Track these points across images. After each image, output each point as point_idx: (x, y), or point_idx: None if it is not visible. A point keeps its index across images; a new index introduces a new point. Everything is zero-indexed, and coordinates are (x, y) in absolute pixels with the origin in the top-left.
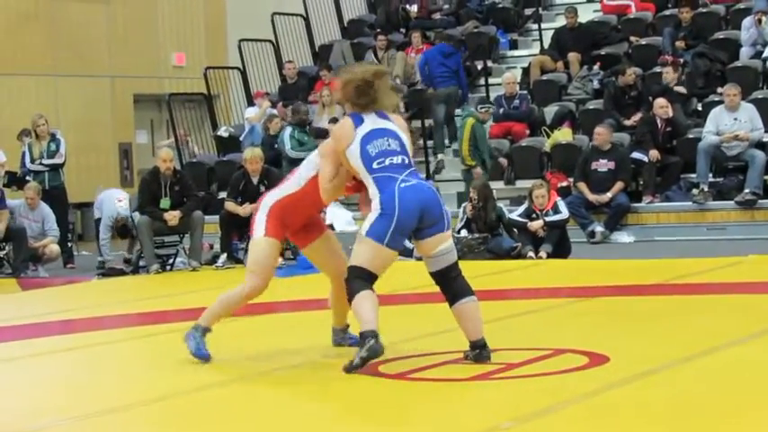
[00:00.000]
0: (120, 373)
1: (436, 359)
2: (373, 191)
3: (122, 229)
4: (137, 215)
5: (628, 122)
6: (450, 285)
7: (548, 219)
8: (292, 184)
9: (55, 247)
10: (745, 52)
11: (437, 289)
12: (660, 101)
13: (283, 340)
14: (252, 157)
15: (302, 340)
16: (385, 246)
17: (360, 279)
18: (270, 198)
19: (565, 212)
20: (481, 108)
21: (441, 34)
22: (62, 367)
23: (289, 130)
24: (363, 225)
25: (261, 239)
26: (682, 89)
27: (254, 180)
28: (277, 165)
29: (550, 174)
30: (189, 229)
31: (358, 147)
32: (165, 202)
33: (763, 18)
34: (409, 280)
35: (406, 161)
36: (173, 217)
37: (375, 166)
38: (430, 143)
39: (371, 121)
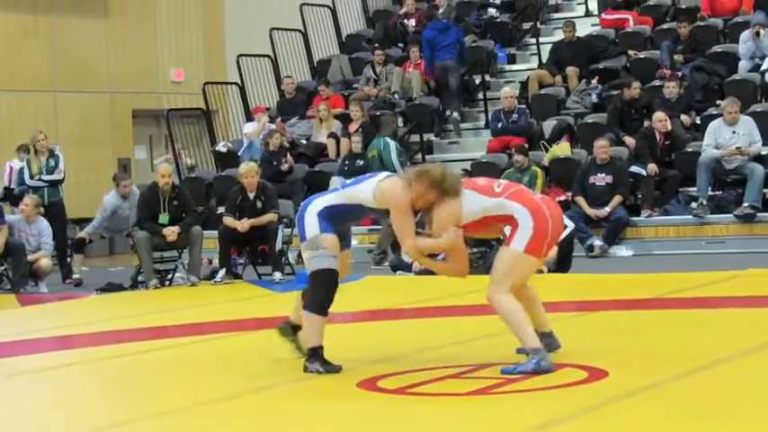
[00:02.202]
0: (120, 387)
1: (436, 374)
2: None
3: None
4: (136, 230)
5: (629, 141)
6: None
7: None
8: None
9: (46, 261)
10: (743, 65)
11: (436, 303)
12: (659, 114)
13: (285, 355)
14: (247, 170)
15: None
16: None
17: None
18: (316, 204)
19: (569, 224)
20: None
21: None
22: (62, 383)
23: (391, 143)
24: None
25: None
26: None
27: (251, 195)
28: (276, 181)
29: (549, 188)
30: (188, 244)
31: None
32: (163, 218)
33: (761, 31)
34: (408, 295)
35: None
36: (171, 233)
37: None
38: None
39: None
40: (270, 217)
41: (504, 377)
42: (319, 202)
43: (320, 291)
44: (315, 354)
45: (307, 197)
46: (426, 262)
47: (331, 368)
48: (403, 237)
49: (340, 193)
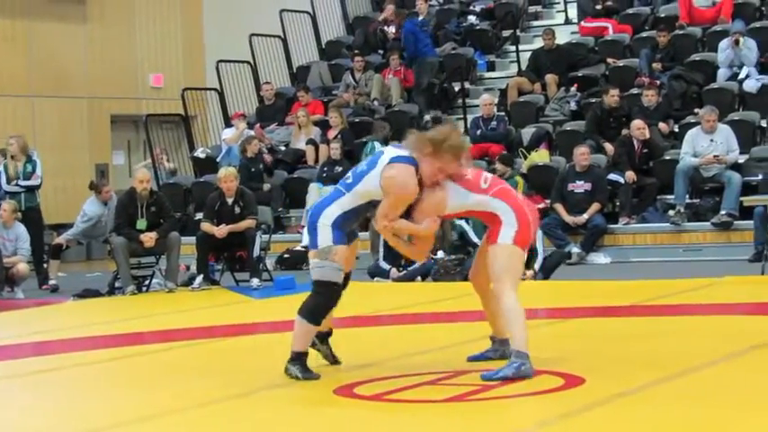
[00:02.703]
0: (97, 394)
1: (413, 381)
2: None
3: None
4: (113, 236)
5: (608, 148)
6: None
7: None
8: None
9: (23, 266)
10: (721, 74)
11: (413, 310)
12: (637, 122)
13: (262, 361)
14: (226, 175)
15: (280, 361)
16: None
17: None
18: (330, 213)
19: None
20: None
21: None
22: (38, 389)
23: (377, 145)
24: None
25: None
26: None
27: (230, 201)
28: (254, 189)
29: (528, 195)
30: (165, 250)
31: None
32: (141, 223)
33: (740, 39)
34: (386, 301)
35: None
36: (149, 239)
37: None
38: None
39: None
40: (248, 223)
41: (481, 384)
42: (334, 210)
43: (319, 301)
44: (298, 358)
45: (285, 204)
46: (393, 240)
47: (309, 375)
48: (383, 215)
49: (351, 194)
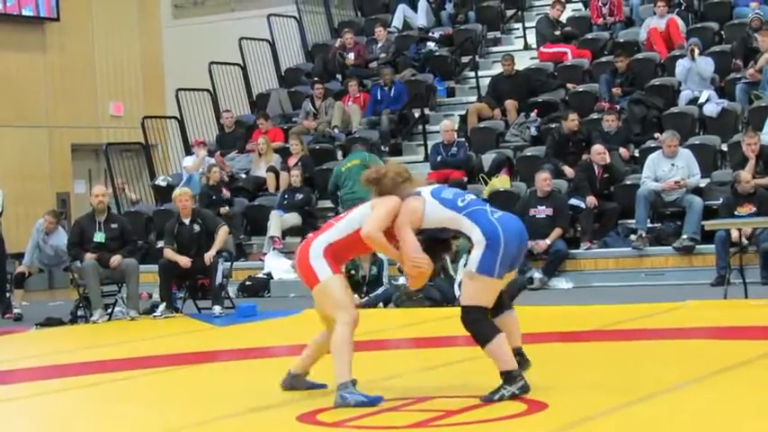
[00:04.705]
0: (59, 422)
1: (376, 407)
2: (468, 226)
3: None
4: (77, 263)
5: (568, 171)
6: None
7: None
8: (344, 228)
9: None
10: (684, 96)
11: (377, 337)
12: (597, 147)
13: (224, 389)
14: (180, 194)
15: (243, 388)
16: (495, 278)
17: (487, 321)
18: (320, 242)
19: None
20: None
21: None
22: (1, 418)
23: (374, 155)
24: (471, 261)
25: (331, 278)
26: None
27: (187, 221)
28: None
29: None
30: (124, 276)
31: (434, 200)
32: (99, 236)
33: (696, 50)
34: None
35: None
36: (114, 261)
37: (459, 204)
38: None
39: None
40: (222, 233)
41: (444, 410)
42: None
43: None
44: (512, 377)
45: (246, 231)
46: (381, 247)
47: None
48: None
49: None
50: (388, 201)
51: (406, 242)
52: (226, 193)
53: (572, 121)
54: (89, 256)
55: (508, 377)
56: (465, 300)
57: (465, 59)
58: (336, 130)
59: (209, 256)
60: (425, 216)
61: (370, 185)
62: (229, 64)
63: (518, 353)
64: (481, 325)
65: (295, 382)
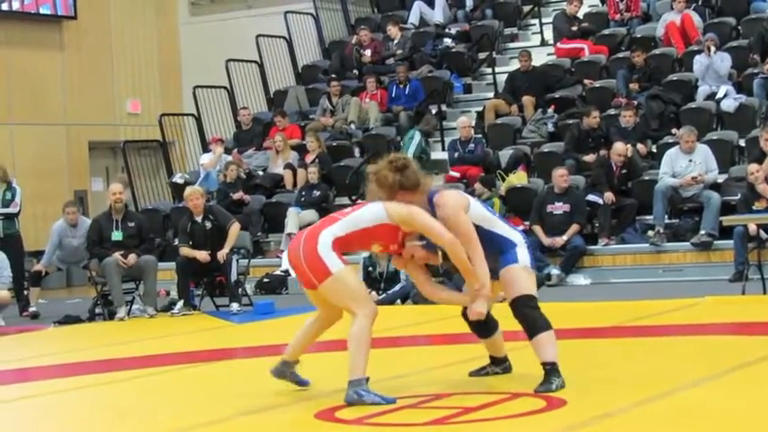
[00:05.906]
0: (77, 420)
1: (395, 404)
2: (505, 227)
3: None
4: (95, 261)
5: (587, 158)
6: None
7: None
8: (350, 225)
9: (4, 293)
10: (701, 92)
11: (394, 333)
12: (619, 147)
13: (243, 386)
14: (191, 192)
15: (260, 386)
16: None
17: (541, 312)
18: (328, 235)
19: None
20: None
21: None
22: (19, 416)
23: (418, 135)
24: (521, 257)
25: (345, 270)
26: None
27: (199, 219)
28: (233, 213)
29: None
30: (142, 274)
31: (477, 203)
32: (117, 234)
33: (712, 46)
34: None
35: None
36: (130, 259)
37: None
38: None
39: None
40: (233, 230)
41: (462, 407)
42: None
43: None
44: (556, 369)
45: (263, 228)
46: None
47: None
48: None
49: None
50: (419, 211)
51: (475, 260)
52: (245, 197)
53: (593, 118)
54: (116, 256)
55: (554, 368)
56: (524, 290)
57: (482, 56)
58: (353, 127)
59: (222, 254)
60: (471, 208)
61: (392, 174)
62: (246, 61)
63: (505, 359)
64: (540, 313)
65: (284, 368)
